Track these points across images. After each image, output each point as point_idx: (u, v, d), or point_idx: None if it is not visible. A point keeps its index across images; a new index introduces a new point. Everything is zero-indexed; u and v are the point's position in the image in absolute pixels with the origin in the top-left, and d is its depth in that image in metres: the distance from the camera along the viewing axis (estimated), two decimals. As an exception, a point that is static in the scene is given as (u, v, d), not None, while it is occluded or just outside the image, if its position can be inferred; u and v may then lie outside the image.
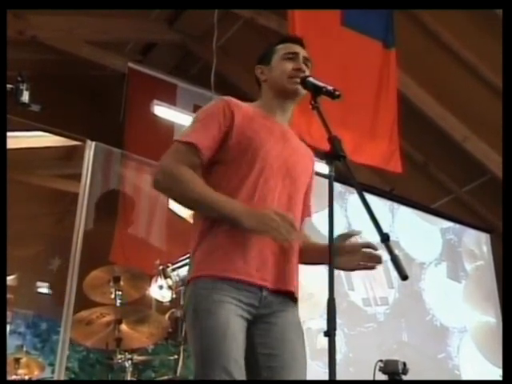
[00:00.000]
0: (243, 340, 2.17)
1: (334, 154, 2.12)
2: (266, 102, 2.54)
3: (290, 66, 2.49)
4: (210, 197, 2.22)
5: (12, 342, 7.05)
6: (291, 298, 2.34)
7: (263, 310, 2.25)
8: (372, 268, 2.38)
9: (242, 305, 2.20)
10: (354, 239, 2.39)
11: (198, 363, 2.13)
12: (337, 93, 2.32)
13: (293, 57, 2.53)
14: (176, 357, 4.32)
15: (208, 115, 2.38)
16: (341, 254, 2.29)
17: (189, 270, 2.37)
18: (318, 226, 3.49)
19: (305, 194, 2.51)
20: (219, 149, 2.33)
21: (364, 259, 2.35)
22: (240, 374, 2.09)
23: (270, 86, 2.53)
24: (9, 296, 5.71)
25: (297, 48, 2.56)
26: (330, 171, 2.12)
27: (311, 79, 2.41)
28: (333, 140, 2.15)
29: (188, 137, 2.32)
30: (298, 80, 2.45)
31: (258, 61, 2.62)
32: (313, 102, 2.35)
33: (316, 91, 2.36)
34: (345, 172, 2.12)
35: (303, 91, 2.45)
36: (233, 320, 2.15)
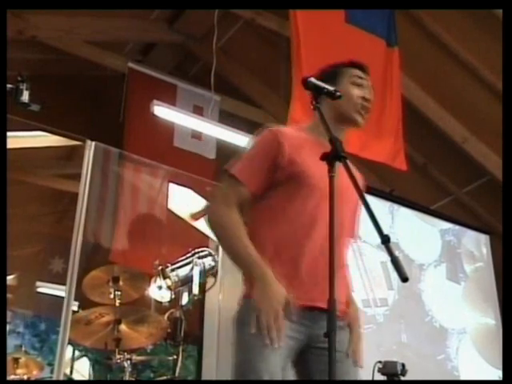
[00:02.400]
0: (284, 359, 2.22)
1: (334, 155, 2.12)
2: (319, 125, 2.47)
3: (358, 93, 2.49)
4: (245, 251, 2.26)
5: (11, 342, 7.05)
6: (343, 316, 2.36)
7: (317, 330, 2.24)
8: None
9: (292, 324, 2.23)
10: None
11: (236, 374, 2.19)
12: (337, 93, 2.32)
13: (361, 83, 2.52)
14: (175, 357, 4.32)
15: (258, 149, 2.44)
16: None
17: (243, 286, 2.37)
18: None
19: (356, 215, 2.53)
20: (270, 181, 2.37)
21: None
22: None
23: (332, 108, 2.48)
24: (8, 296, 5.72)
25: (365, 76, 2.56)
26: (330, 172, 2.12)
27: (312, 80, 2.40)
28: (334, 141, 2.15)
29: (240, 173, 2.36)
30: (364, 111, 2.47)
31: (321, 78, 2.51)
32: (314, 103, 2.35)
33: (317, 92, 2.36)
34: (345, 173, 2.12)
35: (363, 123, 2.48)
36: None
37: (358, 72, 2.55)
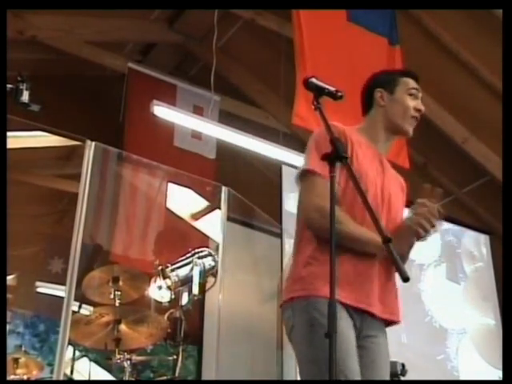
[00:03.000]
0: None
1: (336, 155, 2.12)
2: (373, 127, 2.57)
3: (413, 104, 2.54)
4: (364, 235, 2.31)
5: (11, 342, 7.04)
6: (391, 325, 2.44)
7: (363, 331, 2.33)
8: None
9: (351, 324, 2.28)
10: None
11: (320, 372, 2.14)
12: (339, 94, 2.33)
13: (416, 94, 2.57)
14: (175, 357, 4.33)
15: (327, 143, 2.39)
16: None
17: (291, 286, 2.35)
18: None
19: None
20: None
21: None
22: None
23: (386, 115, 2.56)
24: (8, 296, 5.71)
25: (417, 86, 2.61)
26: (331, 172, 2.12)
27: (314, 80, 2.40)
28: (335, 141, 2.15)
29: (322, 169, 2.30)
30: (414, 121, 2.55)
31: (380, 84, 2.62)
32: (315, 103, 2.35)
33: (318, 92, 2.36)
34: (347, 173, 2.12)
35: (411, 133, 2.56)
36: (351, 335, 2.25)
37: (413, 83, 2.60)
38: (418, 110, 2.56)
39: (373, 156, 2.50)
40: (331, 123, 2.39)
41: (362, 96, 2.66)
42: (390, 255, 1.91)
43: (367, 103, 2.61)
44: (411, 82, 2.60)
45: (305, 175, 2.39)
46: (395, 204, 2.50)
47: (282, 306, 2.37)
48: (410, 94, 2.56)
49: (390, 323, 2.44)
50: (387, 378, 2.38)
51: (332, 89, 2.35)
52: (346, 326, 2.22)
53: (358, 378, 2.17)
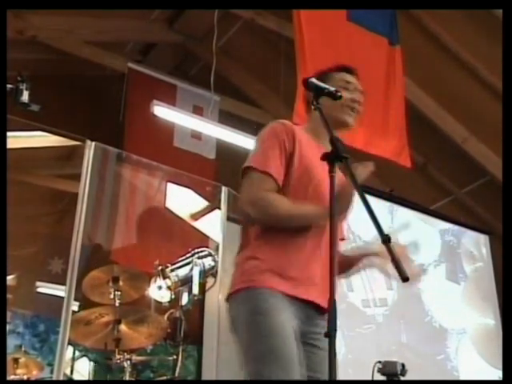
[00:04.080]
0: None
1: (335, 155, 2.12)
2: (316, 128, 2.54)
3: (346, 95, 2.51)
4: (301, 209, 2.32)
5: (11, 342, 7.05)
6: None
7: (308, 326, 2.31)
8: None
9: (293, 317, 2.26)
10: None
11: (257, 363, 2.18)
12: (338, 94, 2.34)
13: (349, 87, 2.56)
14: (175, 357, 4.32)
15: (274, 141, 2.41)
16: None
17: (238, 278, 2.36)
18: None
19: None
20: (286, 173, 2.39)
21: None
22: (298, 374, 2.16)
23: (324, 113, 2.51)
24: (8, 296, 5.71)
25: (354, 79, 2.60)
26: (331, 172, 2.12)
27: (313, 80, 2.41)
28: (334, 141, 2.15)
29: (265, 166, 2.35)
30: (353, 113, 2.52)
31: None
32: (315, 103, 2.36)
33: (318, 92, 2.37)
34: (346, 173, 2.13)
35: (354, 124, 2.52)
36: (289, 326, 2.21)
37: (345, 76, 2.59)
38: (354, 101, 2.54)
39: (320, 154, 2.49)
40: (281, 121, 2.46)
41: (303, 100, 2.66)
42: (390, 255, 1.90)
43: (307, 106, 2.59)
44: (343, 76, 2.59)
45: (246, 172, 2.39)
46: None
47: (227, 300, 2.36)
48: (343, 87, 2.52)
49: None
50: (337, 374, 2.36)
51: (332, 89, 2.35)
52: (288, 318, 2.22)
53: (294, 365, 2.15)
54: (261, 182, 2.34)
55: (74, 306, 4.61)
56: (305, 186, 2.38)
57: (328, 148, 2.46)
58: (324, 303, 2.30)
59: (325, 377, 2.22)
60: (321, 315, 2.33)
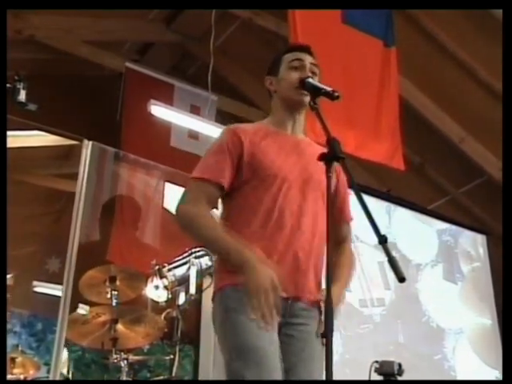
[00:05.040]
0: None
1: (332, 156, 2.12)
2: (277, 114, 2.56)
3: (296, 75, 2.47)
4: (222, 240, 2.26)
5: (8, 341, 7.03)
6: (317, 307, 2.37)
7: (289, 318, 2.29)
8: None
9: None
10: None
11: (231, 359, 2.18)
12: (336, 94, 2.32)
13: (299, 65, 2.50)
14: (172, 357, 4.33)
15: (218, 147, 2.41)
16: None
17: (216, 279, 2.39)
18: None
19: (337, 198, 2.52)
20: (235, 176, 2.37)
21: None
22: (275, 368, 2.13)
23: (279, 97, 2.55)
24: (5, 295, 5.70)
25: (303, 56, 2.53)
26: (328, 172, 2.12)
27: (310, 80, 2.41)
28: (331, 141, 2.15)
29: (203, 173, 2.36)
30: (305, 91, 2.44)
31: (268, 71, 2.61)
32: (312, 103, 2.35)
33: (315, 92, 2.37)
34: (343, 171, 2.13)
35: (307, 102, 2.44)
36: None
37: (294, 55, 2.54)
38: (304, 79, 2.46)
39: (282, 140, 2.47)
40: (230, 126, 2.48)
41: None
42: (387, 255, 1.90)
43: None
44: (293, 55, 2.54)
45: (192, 179, 2.41)
46: (321, 181, 2.31)
47: (212, 301, 2.40)
48: (292, 67, 2.50)
49: (315, 303, 2.36)
50: (321, 368, 2.25)
51: (329, 89, 2.35)
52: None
53: (268, 359, 2.13)
54: (196, 190, 2.36)
55: (82, 310, 4.60)
56: (262, 176, 2.36)
57: (293, 133, 2.53)
58: (301, 293, 2.31)
59: (299, 370, 2.25)
60: (301, 306, 2.31)
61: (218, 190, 2.35)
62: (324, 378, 1.91)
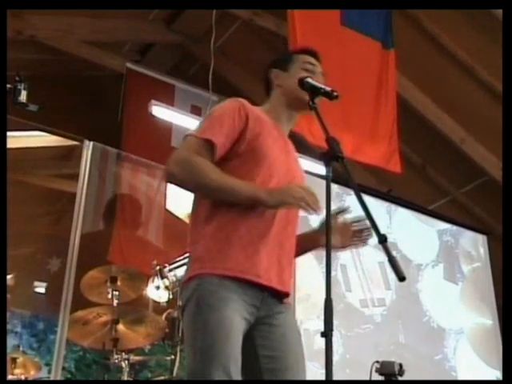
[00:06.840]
0: (241, 342, 2.15)
1: (331, 155, 2.12)
2: (275, 108, 2.53)
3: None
4: (232, 182, 2.22)
5: (8, 342, 7.04)
6: (286, 298, 2.35)
7: (263, 311, 2.25)
8: (364, 242, 2.43)
9: (246, 306, 2.19)
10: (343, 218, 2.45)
11: (195, 359, 2.11)
12: (335, 93, 2.33)
13: (312, 69, 2.52)
14: (173, 357, 4.32)
15: (223, 113, 2.36)
16: (333, 233, 2.23)
17: (190, 266, 2.28)
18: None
19: None
20: (231, 148, 2.32)
21: (355, 235, 2.42)
22: (238, 374, 2.08)
23: (284, 93, 2.52)
24: (5, 296, 5.70)
25: (317, 63, 2.56)
26: (327, 172, 2.13)
27: (309, 80, 2.41)
28: (330, 141, 2.15)
29: (204, 133, 2.30)
30: (303, 90, 2.43)
31: (274, 64, 2.59)
32: (310, 103, 2.35)
33: (314, 92, 2.37)
34: (342, 173, 2.12)
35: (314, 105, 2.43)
36: (237, 320, 2.14)
37: (309, 59, 2.56)
38: (303, 78, 2.46)
39: (277, 135, 2.45)
40: (237, 99, 2.43)
41: (264, 81, 2.61)
42: (387, 255, 1.90)
43: (267, 87, 2.56)
44: (306, 58, 2.55)
45: (187, 137, 2.34)
46: (301, 183, 2.37)
47: (182, 287, 2.29)
48: (305, 69, 2.50)
49: (285, 295, 2.33)
50: (301, 351, 2.28)
51: (328, 89, 2.35)
52: (234, 309, 2.14)
53: (235, 365, 2.07)
54: (196, 146, 2.27)
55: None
56: (258, 161, 2.31)
57: (285, 131, 2.52)
58: (280, 286, 2.29)
59: (285, 354, 2.23)
60: (273, 296, 2.28)
61: (212, 154, 2.26)
62: (324, 377, 1.91)
